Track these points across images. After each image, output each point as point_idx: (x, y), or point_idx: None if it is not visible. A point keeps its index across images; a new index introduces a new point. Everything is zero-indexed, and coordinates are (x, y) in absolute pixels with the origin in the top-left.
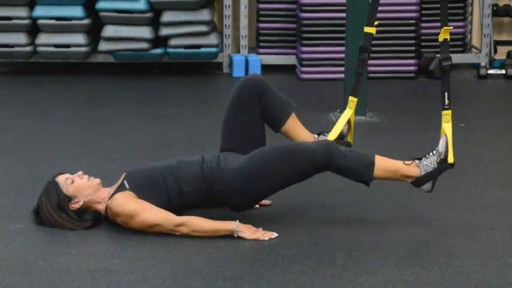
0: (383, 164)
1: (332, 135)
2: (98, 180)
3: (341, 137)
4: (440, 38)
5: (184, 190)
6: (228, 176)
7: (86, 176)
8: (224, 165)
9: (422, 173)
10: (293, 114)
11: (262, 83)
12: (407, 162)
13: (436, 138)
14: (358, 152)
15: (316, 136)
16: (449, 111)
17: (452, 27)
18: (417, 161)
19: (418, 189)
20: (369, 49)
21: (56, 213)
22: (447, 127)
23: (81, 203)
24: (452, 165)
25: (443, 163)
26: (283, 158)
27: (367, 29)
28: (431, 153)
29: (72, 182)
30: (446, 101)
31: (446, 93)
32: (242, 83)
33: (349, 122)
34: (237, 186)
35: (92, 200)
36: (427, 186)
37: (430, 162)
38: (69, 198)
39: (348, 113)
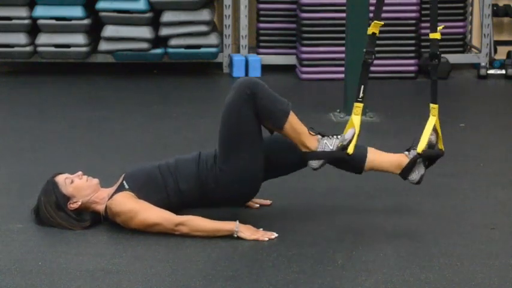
0: (294, 119)
1: (420, 146)
2: (96, 180)
3: (431, 146)
4: (369, 32)
5: (182, 188)
6: (221, 173)
7: (85, 177)
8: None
9: (318, 149)
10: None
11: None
12: (312, 132)
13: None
14: (278, 98)
15: (406, 153)
16: (361, 105)
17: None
18: (319, 136)
19: (306, 164)
20: (438, 54)
21: (55, 212)
22: (356, 120)
23: (80, 203)
24: (349, 155)
25: (341, 150)
26: (231, 118)
27: (432, 35)
28: (335, 136)
29: (72, 182)
30: (361, 94)
31: (362, 87)
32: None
33: (435, 129)
34: (227, 181)
35: (91, 200)
36: (316, 163)
37: (331, 144)
38: (68, 198)
39: (433, 121)
